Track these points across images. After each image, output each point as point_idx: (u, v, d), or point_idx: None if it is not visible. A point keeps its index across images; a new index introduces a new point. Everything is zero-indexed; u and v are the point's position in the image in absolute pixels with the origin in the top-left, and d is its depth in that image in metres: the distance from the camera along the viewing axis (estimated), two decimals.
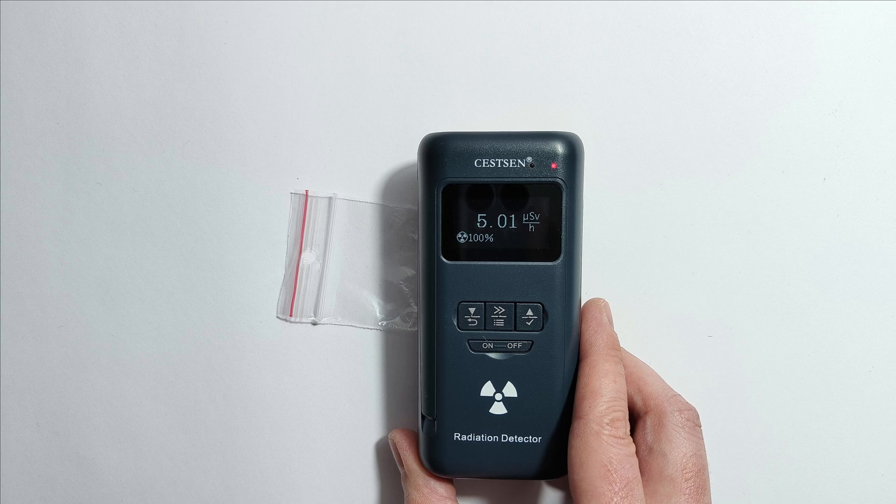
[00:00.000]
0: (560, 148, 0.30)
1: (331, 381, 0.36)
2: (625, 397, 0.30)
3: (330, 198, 0.36)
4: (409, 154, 0.35)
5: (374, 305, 0.36)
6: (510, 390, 0.31)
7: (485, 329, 0.31)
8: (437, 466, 0.32)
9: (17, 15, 0.36)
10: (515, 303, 0.31)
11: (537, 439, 0.31)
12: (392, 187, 0.35)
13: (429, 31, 0.35)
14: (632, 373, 0.32)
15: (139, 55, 0.36)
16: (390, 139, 0.35)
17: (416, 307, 0.36)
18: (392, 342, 0.36)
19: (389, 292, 0.36)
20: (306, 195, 0.36)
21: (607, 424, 0.29)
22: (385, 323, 0.36)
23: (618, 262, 0.35)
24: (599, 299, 0.33)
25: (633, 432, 0.31)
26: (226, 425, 0.37)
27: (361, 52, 0.35)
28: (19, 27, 0.36)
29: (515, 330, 0.31)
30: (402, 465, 0.34)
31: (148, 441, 0.37)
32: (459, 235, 0.31)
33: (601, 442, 0.28)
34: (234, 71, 0.36)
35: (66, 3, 0.36)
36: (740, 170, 0.34)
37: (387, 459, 0.36)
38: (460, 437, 0.31)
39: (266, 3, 0.35)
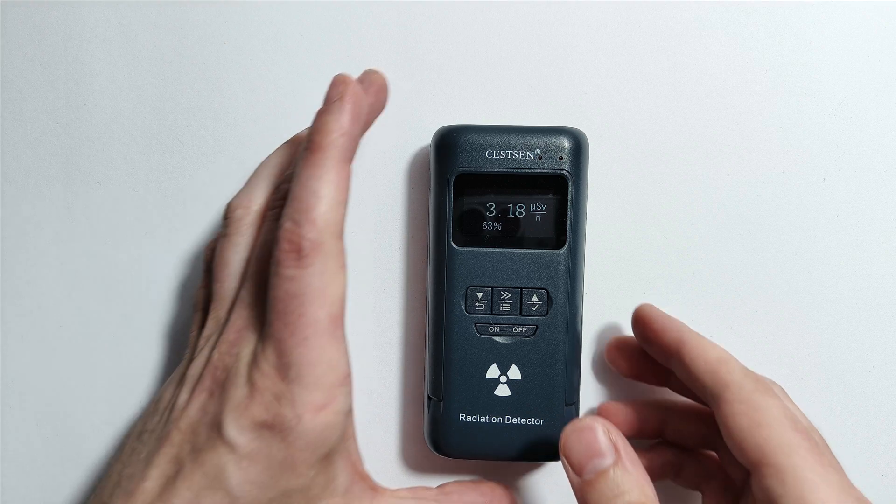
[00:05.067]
0: (567, 142, 0.32)
1: None
2: None
3: None
4: (410, 153, 0.35)
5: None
6: (514, 373, 0.32)
7: (491, 313, 0.32)
8: (443, 448, 0.33)
9: (17, 15, 0.36)
10: (521, 288, 0.32)
11: (540, 421, 0.32)
12: (393, 187, 0.35)
13: (430, 30, 0.35)
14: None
15: (139, 55, 0.36)
16: (391, 139, 0.35)
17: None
18: (392, 340, 0.36)
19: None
20: None
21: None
22: None
23: (618, 262, 0.35)
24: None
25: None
26: None
27: (362, 51, 0.35)
28: (19, 27, 0.36)
29: (521, 315, 0.32)
30: (609, 455, 0.26)
31: None
32: (469, 223, 0.32)
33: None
34: (234, 71, 0.35)
35: (66, 3, 0.36)
36: (740, 170, 0.34)
37: (387, 459, 0.36)
38: (465, 418, 0.32)
39: (266, 3, 0.35)
